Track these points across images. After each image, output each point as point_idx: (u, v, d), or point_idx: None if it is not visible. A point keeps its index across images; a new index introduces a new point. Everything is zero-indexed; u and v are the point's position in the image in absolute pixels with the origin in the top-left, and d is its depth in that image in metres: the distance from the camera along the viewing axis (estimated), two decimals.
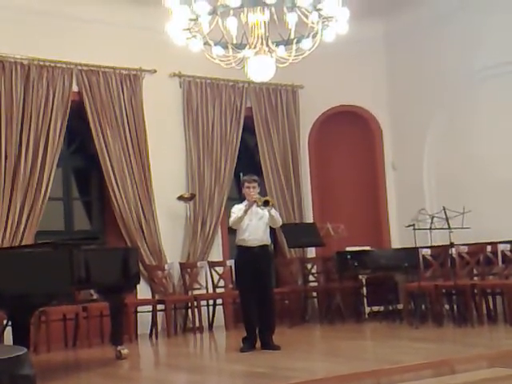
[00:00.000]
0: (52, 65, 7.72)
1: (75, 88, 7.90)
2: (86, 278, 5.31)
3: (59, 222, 8.13)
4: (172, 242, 8.32)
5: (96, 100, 7.98)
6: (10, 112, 7.39)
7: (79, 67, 7.90)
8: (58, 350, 6.81)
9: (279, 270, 8.66)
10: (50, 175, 7.57)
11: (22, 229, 7.30)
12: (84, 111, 7.92)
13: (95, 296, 7.23)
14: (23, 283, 4.72)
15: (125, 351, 5.87)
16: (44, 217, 7.54)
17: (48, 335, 6.79)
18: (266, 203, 5.98)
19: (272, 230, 6.42)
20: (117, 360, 5.81)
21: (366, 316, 8.32)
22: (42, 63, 7.64)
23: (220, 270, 8.27)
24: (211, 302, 8.14)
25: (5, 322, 6.50)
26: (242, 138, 9.04)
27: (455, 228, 7.03)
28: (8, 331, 6.03)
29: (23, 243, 7.16)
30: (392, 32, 9.23)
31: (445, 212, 7.14)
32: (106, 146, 7.98)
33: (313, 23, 5.68)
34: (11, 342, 5.01)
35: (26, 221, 7.35)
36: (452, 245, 7.13)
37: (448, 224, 7.08)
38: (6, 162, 7.32)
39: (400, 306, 8.13)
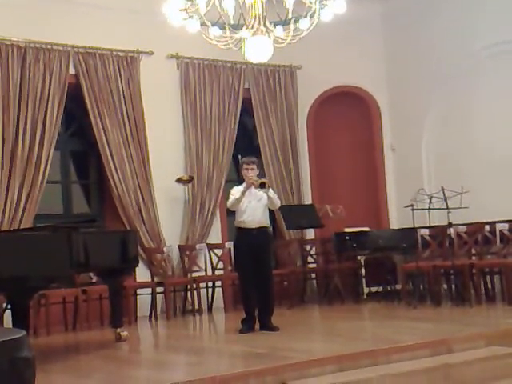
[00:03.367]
0: (48, 47, 7.67)
1: (72, 71, 7.85)
2: (85, 261, 5.32)
3: (58, 206, 8.13)
4: (171, 225, 8.32)
5: (93, 82, 7.94)
6: (7, 95, 7.36)
7: (76, 49, 7.85)
8: (57, 333, 6.83)
9: (278, 251, 8.69)
10: (47, 158, 7.55)
11: (20, 212, 7.30)
12: (81, 94, 7.88)
13: (94, 279, 7.26)
14: (22, 266, 4.72)
15: (124, 333, 5.90)
16: (42, 200, 7.54)
17: (48, 318, 6.82)
18: (262, 185, 5.97)
19: (271, 212, 6.42)
20: (116, 342, 5.83)
21: (365, 296, 8.37)
22: (38, 46, 7.59)
23: (219, 252, 8.28)
24: (210, 284, 8.17)
25: (4, 305, 6.53)
26: (240, 119, 9.01)
27: (453, 208, 7.04)
28: (7, 314, 6.06)
29: (22, 227, 7.15)
30: (390, 11, 9.17)
31: (443, 192, 7.14)
32: (103, 129, 7.95)
33: (310, 3, 5.64)
34: (11, 325, 5.03)
35: (25, 204, 7.34)
36: (450, 225, 7.14)
37: (446, 204, 7.08)
38: (3, 146, 7.30)
39: (398, 287, 8.18)
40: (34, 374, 2.19)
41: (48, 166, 7.55)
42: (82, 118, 8.13)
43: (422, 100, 8.89)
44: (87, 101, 7.89)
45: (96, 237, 5.79)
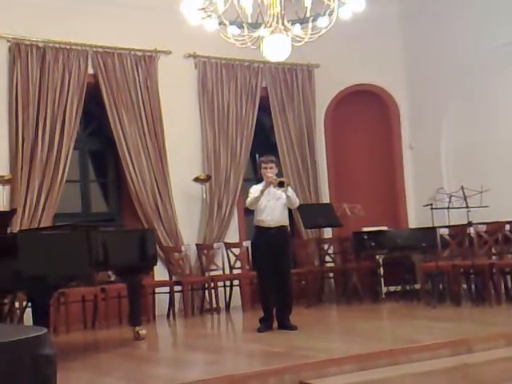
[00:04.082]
0: (67, 47, 7.72)
1: (91, 70, 7.90)
2: (103, 260, 5.34)
3: (76, 205, 8.18)
4: (188, 224, 8.34)
5: (111, 82, 7.98)
6: (27, 95, 7.42)
7: (94, 49, 7.90)
8: (76, 331, 6.88)
9: (296, 250, 8.66)
10: (66, 158, 7.60)
11: (40, 211, 7.35)
12: (99, 93, 7.92)
13: (113, 277, 7.29)
14: (42, 265, 4.76)
15: (143, 332, 5.92)
16: (61, 199, 7.59)
17: (67, 316, 6.86)
18: (280, 184, 5.94)
19: (289, 211, 6.40)
20: (135, 340, 5.85)
21: (383, 296, 8.32)
22: (57, 46, 7.65)
23: (236, 251, 8.28)
24: (228, 283, 8.17)
25: (24, 303, 6.57)
26: (258, 118, 9.00)
27: (473, 207, 6.97)
28: (28, 313, 6.10)
29: (41, 225, 7.20)
30: (409, 9, 9.10)
31: (463, 191, 7.08)
32: (121, 128, 7.99)
33: (329, 1, 5.61)
34: (31, 324, 5.07)
35: (44, 203, 7.40)
36: (470, 224, 7.08)
37: (466, 203, 7.02)
38: (23, 145, 7.36)
39: (417, 286, 8.12)
40: (55, 372, 2.20)
41: (67, 166, 7.60)
42: (101, 117, 8.17)
43: (441, 98, 8.83)
44: (105, 100, 7.92)
45: (115, 235, 5.82)
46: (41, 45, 7.56)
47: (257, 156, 8.98)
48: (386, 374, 4.29)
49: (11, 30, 7.38)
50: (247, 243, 8.22)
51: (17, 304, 6.55)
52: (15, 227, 6.96)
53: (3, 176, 7.15)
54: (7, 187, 7.21)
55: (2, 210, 7.00)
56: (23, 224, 7.20)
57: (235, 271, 8.25)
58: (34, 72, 7.49)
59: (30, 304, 5.21)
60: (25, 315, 6.53)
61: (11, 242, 4.73)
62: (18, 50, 7.43)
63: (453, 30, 8.62)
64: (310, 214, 8.29)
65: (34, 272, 4.69)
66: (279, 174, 6.26)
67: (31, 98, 7.43)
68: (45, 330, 2.22)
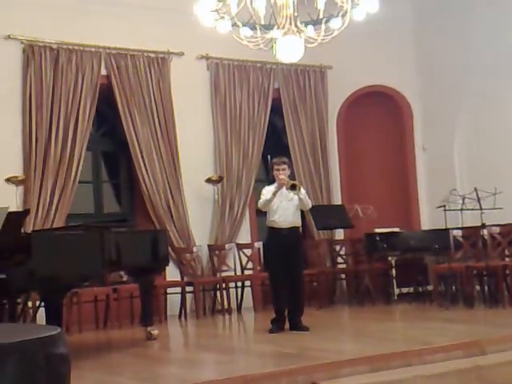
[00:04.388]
0: (81, 49, 7.75)
1: (104, 71, 7.93)
2: (116, 260, 5.37)
3: (89, 205, 8.21)
4: (200, 225, 8.35)
5: (124, 83, 8.01)
6: (40, 96, 7.46)
7: (107, 50, 7.93)
8: (89, 331, 6.90)
9: (307, 251, 8.65)
10: (79, 158, 7.63)
11: (53, 212, 7.39)
12: (112, 94, 7.95)
13: (125, 278, 7.31)
14: (56, 265, 4.78)
15: (155, 332, 5.94)
16: (74, 200, 7.62)
17: (79, 316, 6.89)
18: (292, 187, 5.94)
19: (301, 212, 6.39)
20: (147, 341, 5.87)
21: (395, 297, 8.29)
22: (70, 47, 7.68)
23: (248, 252, 8.29)
24: (239, 283, 8.16)
25: (38, 302, 6.61)
26: (270, 119, 9.00)
27: (487, 209, 6.94)
28: (40, 312, 6.13)
29: (54, 226, 7.24)
30: (422, 11, 9.07)
31: (476, 193, 7.04)
32: (134, 129, 8.01)
33: (342, 2, 5.61)
34: (44, 323, 5.09)
35: (57, 204, 7.43)
36: (484, 226, 7.05)
37: (480, 205, 6.99)
38: (36, 146, 7.40)
39: (430, 288, 8.09)
40: (69, 371, 2.21)
41: (80, 166, 7.63)
42: (113, 118, 8.20)
43: (454, 99, 8.78)
44: (118, 101, 7.95)
45: (127, 236, 5.84)
46: (54, 46, 7.60)
47: (269, 157, 8.98)
48: (399, 375, 4.28)
49: (25, 31, 7.42)
50: (259, 244, 8.24)
51: (29, 304, 6.59)
52: (28, 227, 7.00)
53: (17, 176, 7.20)
54: (21, 188, 7.26)
55: (15, 210, 7.04)
56: (36, 224, 7.25)
57: (247, 272, 8.25)
58: (48, 73, 7.53)
59: (43, 304, 5.25)
60: (37, 315, 6.57)
61: (25, 242, 4.77)
62: (32, 51, 7.48)
63: (466, 31, 8.58)
64: (322, 215, 8.28)
65: (48, 272, 4.72)
66: (291, 176, 6.26)
67: (45, 99, 7.47)
68: (59, 330, 2.23)
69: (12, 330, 2.65)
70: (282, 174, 6.02)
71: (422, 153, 9.27)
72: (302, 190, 6.11)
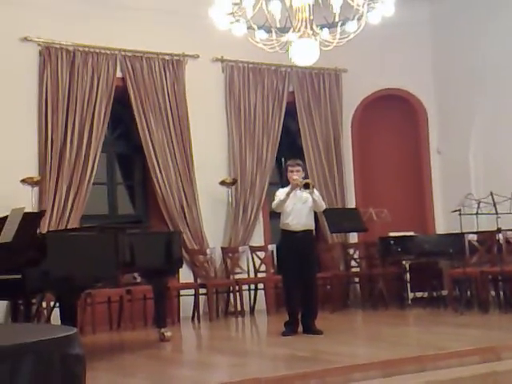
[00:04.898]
0: (96, 51, 7.80)
1: (119, 74, 7.97)
2: (130, 262, 5.39)
3: (103, 207, 8.25)
4: (214, 227, 8.35)
5: (139, 85, 8.04)
6: (56, 98, 7.51)
7: (123, 53, 7.97)
8: (102, 332, 6.93)
9: (321, 255, 8.63)
10: (94, 160, 7.67)
11: (67, 213, 7.43)
12: (128, 97, 7.99)
13: (139, 279, 7.34)
14: (70, 266, 4.81)
15: (168, 333, 5.95)
16: (89, 201, 7.66)
17: (93, 317, 6.92)
18: (306, 186, 5.94)
19: (314, 215, 6.38)
20: (160, 342, 5.89)
21: (410, 302, 8.24)
22: (86, 49, 7.73)
23: (261, 254, 8.28)
24: (253, 286, 8.16)
25: (52, 303, 6.65)
26: (284, 122, 9.00)
27: (503, 213, 6.88)
28: (55, 313, 6.17)
29: (69, 227, 7.28)
30: (438, 14, 9.03)
31: (492, 197, 7.00)
32: (149, 131, 8.04)
33: (358, 5, 5.59)
34: (59, 323, 5.12)
35: (72, 205, 7.47)
36: (499, 230, 7.00)
37: (495, 209, 6.94)
38: (52, 148, 7.45)
39: (444, 293, 8.03)
40: (84, 371, 2.22)
41: (95, 168, 7.67)
42: (128, 120, 8.24)
43: (470, 102, 8.73)
44: (133, 104, 7.99)
45: (141, 238, 5.86)
46: (70, 49, 7.65)
47: (283, 160, 8.98)
48: (412, 380, 4.26)
49: (41, 34, 7.47)
50: (272, 247, 8.24)
51: (44, 304, 6.62)
52: (43, 228, 7.05)
53: (32, 177, 7.24)
54: (36, 189, 7.31)
55: (31, 211, 7.08)
56: (51, 225, 7.29)
57: (260, 275, 8.24)
58: (64, 75, 7.58)
59: (57, 304, 5.28)
60: (52, 315, 6.61)
61: (40, 243, 4.80)
62: (48, 53, 7.53)
63: (482, 35, 8.53)
64: (336, 218, 8.26)
65: (62, 272, 4.75)
66: (305, 178, 6.25)
67: (60, 101, 7.52)
68: (74, 330, 2.24)
69: (28, 330, 2.67)
70: (296, 175, 6.02)
71: (437, 156, 9.23)
72: (316, 192, 6.10)
